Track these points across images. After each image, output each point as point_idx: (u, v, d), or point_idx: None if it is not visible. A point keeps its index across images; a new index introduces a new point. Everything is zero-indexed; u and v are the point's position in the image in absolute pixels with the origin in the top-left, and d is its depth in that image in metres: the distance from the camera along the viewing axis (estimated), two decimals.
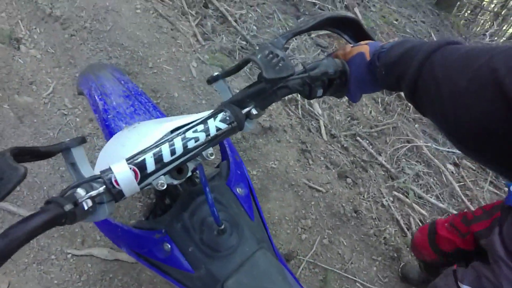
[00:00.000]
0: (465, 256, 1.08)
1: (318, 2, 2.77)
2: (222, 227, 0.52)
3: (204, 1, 2.28)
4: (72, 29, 1.87)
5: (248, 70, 1.95)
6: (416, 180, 1.76)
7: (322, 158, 1.65)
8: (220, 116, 0.47)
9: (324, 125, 1.77)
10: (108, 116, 0.79)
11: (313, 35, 2.47)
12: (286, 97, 1.81)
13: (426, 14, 4.04)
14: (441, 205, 1.67)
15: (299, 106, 1.82)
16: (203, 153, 0.48)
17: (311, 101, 1.87)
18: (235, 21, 2.18)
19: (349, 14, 0.59)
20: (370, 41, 0.54)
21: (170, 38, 1.90)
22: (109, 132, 0.76)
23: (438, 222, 1.15)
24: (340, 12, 0.60)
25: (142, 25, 1.93)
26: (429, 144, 1.90)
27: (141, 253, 0.59)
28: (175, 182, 0.50)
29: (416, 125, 2.02)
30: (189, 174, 0.52)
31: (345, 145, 1.73)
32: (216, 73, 0.54)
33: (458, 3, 4.27)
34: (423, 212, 1.62)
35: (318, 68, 0.50)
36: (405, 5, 3.94)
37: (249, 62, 0.50)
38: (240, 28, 2.11)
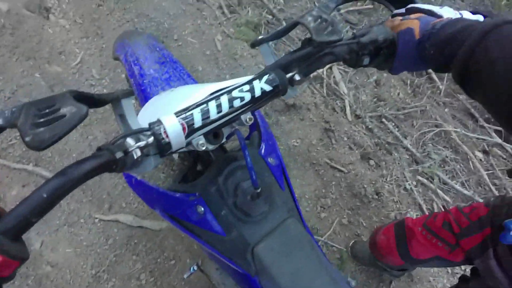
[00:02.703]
0: (445, 264, 0.98)
1: None
2: (259, 190, 0.52)
3: None
4: None
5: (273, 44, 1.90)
6: (442, 165, 1.71)
7: (346, 139, 1.62)
8: (265, 78, 0.47)
9: (349, 105, 1.72)
10: (144, 81, 0.80)
11: (342, 11, 2.35)
12: (311, 75, 1.77)
13: None
14: (466, 192, 1.61)
15: (324, 85, 1.77)
16: (242, 117, 0.48)
17: (337, 80, 1.82)
18: None
19: None
20: (422, 15, 0.51)
21: (195, 10, 1.87)
22: (145, 97, 0.77)
23: (408, 225, 0.99)
24: None
25: None
26: (458, 130, 1.81)
27: (175, 215, 0.61)
28: (211, 147, 0.51)
29: (446, 109, 1.93)
30: (224, 140, 0.53)
31: (369, 126, 1.68)
32: (261, 36, 0.53)
33: None
34: (447, 198, 1.58)
35: (368, 35, 0.48)
36: None
37: (298, 25, 0.49)
38: (267, 1, 2.04)
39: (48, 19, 1.84)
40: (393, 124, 1.77)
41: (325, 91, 1.74)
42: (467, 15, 0.55)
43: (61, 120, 0.32)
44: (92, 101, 0.38)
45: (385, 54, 0.52)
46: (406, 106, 1.85)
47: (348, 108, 1.70)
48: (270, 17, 1.99)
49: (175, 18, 1.81)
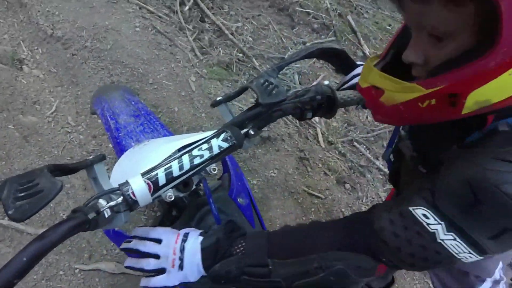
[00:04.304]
0: None
1: (312, 11, 2.84)
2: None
3: (200, 15, 2.35)
4: (73, 49, 1.93)
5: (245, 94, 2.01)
6: None
7: (320, 165, 1.69)
8: (222, 136, 0.53)
9: (321, 133, 1.81)
10: (120, 134, 0.85)
11: (308, 44, 2.53)
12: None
13: None
14: None
15: None
16: (207, 168, 0.54)
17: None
18: (232, 34, 2.24)
19: (336, 45, 0.68)
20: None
21: (169, 54, 1.96)
22: (120, 149, 0.81)
23: None
24: (329, 44, 0.67)
25: (141, 42, 1.99)
26: None
27: None
28: (181, 194, 0.56)
29: None
30: (194, 187, 0.57)
31: (342, 151, 1.77)
32: (219, 98, 0.60)
33: None
34: None
35: (307, 95, 0.55)
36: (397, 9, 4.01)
37: (247, 89, 0.56)
38: (237, 41, 2.17)
39: (21, 70, 1.87)
40: (365, 147, 1.87)
41: (297, 121, 1.83)
42: None
43: (39, 194, 0.36)
44: (68, 170, 0.43)
45: (326, 107, 0.60)
46: (375, 129, 1.97)
47: (320, 136, 1.79)
48: (241, 55, 2.11)
49: (149, 63, 1.89)
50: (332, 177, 1.67)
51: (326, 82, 0.61)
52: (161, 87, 1.81)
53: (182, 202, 0.74)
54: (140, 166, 0.53)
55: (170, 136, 0.82)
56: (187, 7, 2.30)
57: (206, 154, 0.51)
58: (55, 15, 2.02)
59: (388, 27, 3.29)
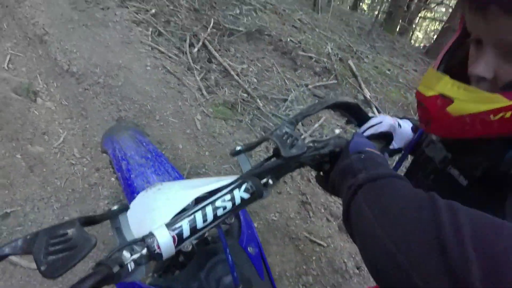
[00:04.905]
0: None
1: (314, 56, 2.99)
2: (240, 287, 0.55)
3: (208, 57, 2.47)
4: (86, 84, 2.01)
5: (249, 122, 2.06)
6: None
7: (323, 210, 1.68)
8: (243, 187, 0.53)
9: None
10: (131, 176, 0.85)
11: (310, 86, 2.63)
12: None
13: (418, 62, 4.29)
14: None
15: None
16: None
17: None
18: (237, 74, 2.35)
19: (350, 99, 0.70)
20: (358, 132, 0.63)
21: (176, 93, 2.03)
22: (131, 191, 0.81)
23: None
24: (343, 98, 0.70)
25: (151, 80, 2.08)
26: None
27: None
28: (194, 241, 0.54)
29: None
30: (206, 235, 0.57)
31: None
32: (238, 148, 0.62)
33: None
34: None
35: (327, 147, 0.57)
36: (396, 54, 4.21)
37: (267, 140, 0.58)
38: (242, 82, 2.26)
39: (35, 102, 1.93)
40: None
41: None
42: (401, 122, 0.68)
43: (73, 250, 0.36)
44: (94, 220, 0.43)
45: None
46: None
47: None
48: (245, 95, 2.19)
49: (157, 100, 1.96)
50: (334, 223, 1.64)
51: (338, 131, 0.62)
52: (167, 124, 1.85)
53: (190, 249, 0.73)
54: (158, 213, 0.53)
55: (184, 181, 0.81)
56: (196, 49, 2.43)
57: (229, 206, 0.51)
58: (72, 52, 2.14)
59: (387, 72, 3.44)
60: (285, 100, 2.34)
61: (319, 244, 1.53)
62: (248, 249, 0.69)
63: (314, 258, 1.49)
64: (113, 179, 1.74)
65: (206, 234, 0.58)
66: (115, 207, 0.47)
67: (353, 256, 1.52)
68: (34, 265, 1.49)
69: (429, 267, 0.29)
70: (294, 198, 1.67)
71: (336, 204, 1.73)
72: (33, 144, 1.78)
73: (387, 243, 0.34)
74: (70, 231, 0.38)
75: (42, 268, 0.34)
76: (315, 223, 1.61)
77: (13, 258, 1.37)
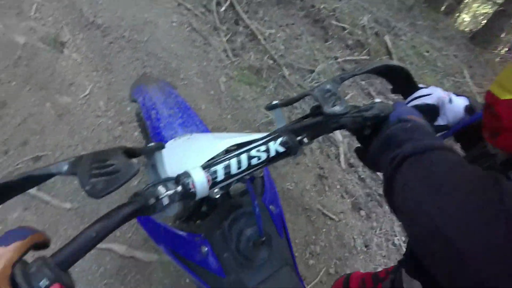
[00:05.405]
0: None
1: (348, 26, 2.80)
2: (263, 239, 0.56)
3: (235, 18, 2.37)
4: (111, 37, 2.00)
5: (273, 89, 2.00)
6: None
7: (338, 186, 1.66)
8: (279, 140, 0.52)
9: (343, 153, 1.78)
10: (160, 125, 0.85)
11: (340, 60, 2.49)
12: None
13: (460, 47, 3.90)
14: None
15: None
16: None
17: None
18: (264, 39, 2.25)
19: (401, 64, 0.63)
20: (402, 102, 0.57)
21: (202, 52, 1.98)
22: (159, 139, 0.82)
23: (353, 277, 1.07)
24: (393, 62, 0.64)
25: (176, 37, 2.03)
26: None
27: (179, 253, 0.64)
28: (220, 192, 0.55)
29: None
30: (232, 186, 0.57)
31: (362, 176, 1.73)
32: (275, 102, 0.60)
33: (495, 39, 4.08)
34: None
35: (371, 110, 0.52)
36: (437, 36, 3.85)
37: (308, 95, 0.55)
38: (269, 47, 2.17)
39: (62, 53, 1.95)
40: None
41: (320, 137, 1.81)
42: (454, 97, 0.61)
43: (116, 174, 0.37)
44: (135, 154, 0.44)
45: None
46: None
47: (342, 156, 1.76)
48: (272, 62, 2.11)
49: (182, 59, 1.92)
50: (348, 200, 1.63)
51: (378, 100, 0.57)
52: (192, 83, 1.83)
53: (213, 200, 0.74)
54: (192, 157, 0.54)
55: (214, 133, 0.81)
56: (223, 8, 2.32)
57: (263, 156, 0.51)
58: (98, 4, 2.10)
59: (425, 53, 3.18)
60: (312, 71, 2.24)
61: (331, 218, 1.53)
62: (270, 207, 0.69)
63: (324, 230, 1.50)
64: (136, 133, 1.77)
65: (230, 188, 0.58)
66: (151, 144, 0.48)
67: (363, 234, 1.52)
68: (64, 204, 1.57)
69: (493, 253, 0.26)
70: (311, 171, 1.66)
71: (352, 182, 1.70)
72: (61, 94, 1.82)
73: (442, 225, 0.30)
74: (113, 158, 0.38)
75: (87, 187, 0.35)
76: (329, 197, 1.60)
77: (45, 196, 1.46)
